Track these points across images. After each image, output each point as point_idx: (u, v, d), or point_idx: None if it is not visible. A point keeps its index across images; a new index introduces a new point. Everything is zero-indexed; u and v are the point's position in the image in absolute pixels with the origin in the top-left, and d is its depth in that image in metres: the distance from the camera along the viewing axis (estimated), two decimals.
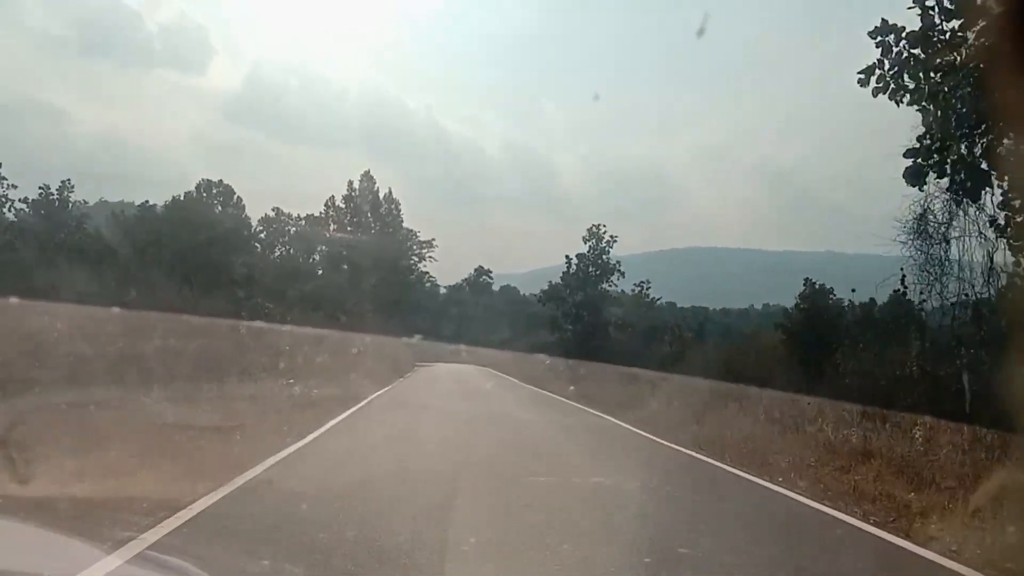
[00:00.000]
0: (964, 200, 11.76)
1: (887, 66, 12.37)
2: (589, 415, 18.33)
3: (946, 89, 10.81)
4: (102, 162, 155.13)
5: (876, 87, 12.53)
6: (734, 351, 31.93)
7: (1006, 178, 10.95)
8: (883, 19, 11.59)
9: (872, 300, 43.84)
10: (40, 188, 33.61)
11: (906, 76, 11.99)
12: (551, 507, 6.95)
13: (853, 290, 36.89)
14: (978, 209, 11.79)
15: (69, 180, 34.75)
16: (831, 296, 36.84)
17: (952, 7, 10.96)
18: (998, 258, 11.91)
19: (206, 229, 27.04)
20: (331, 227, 55.26)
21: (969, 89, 10.52)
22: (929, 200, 11.94)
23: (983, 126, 10.79)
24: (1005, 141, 10.71)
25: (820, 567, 5.77)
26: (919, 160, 11.74)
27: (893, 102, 11.95)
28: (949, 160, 11.25)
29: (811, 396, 19.26)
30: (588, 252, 38.55)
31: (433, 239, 59.93)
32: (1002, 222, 11.38)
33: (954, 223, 12.34)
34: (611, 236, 38.31)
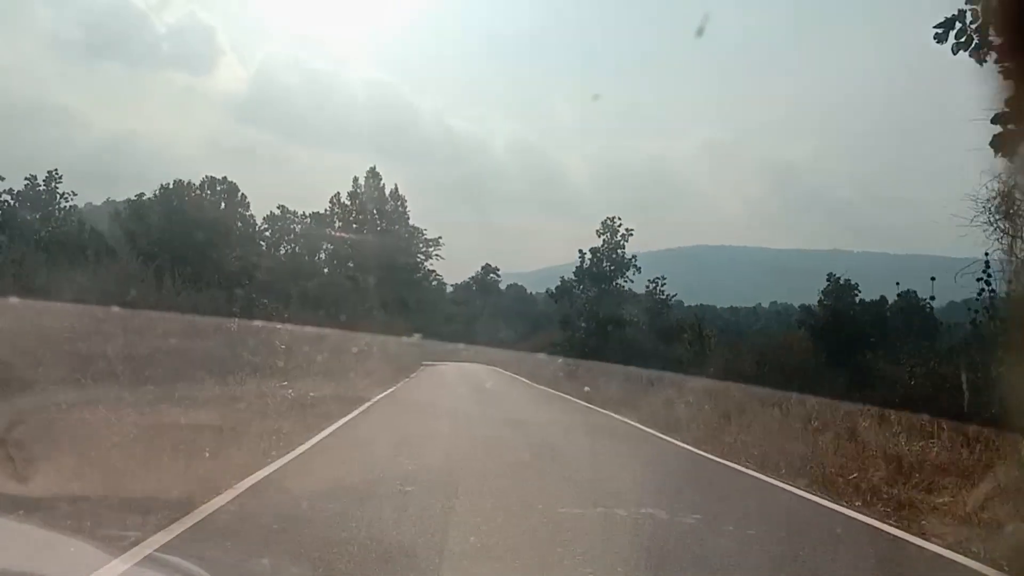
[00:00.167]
0: None
1: (969, 18, 10.61)
2: (614, 421, 16.71)
3: None
4: (109, 163, 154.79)
5: (956, 43, 10.76)
6: (756, 351, 30.15)
7: None
8: None
9: (883, 298, 42.28)
10: (26, 179, 32.66)
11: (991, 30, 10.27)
12: (596, 553, 5.39)
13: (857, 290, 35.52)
14: None
15: (56, 170, 33.52)
16: (856, 292, 35.20)
17: None
18: None
19: (197, 218, 25.52)
20: (336, 224, 54.18)
21: None
22: (1016, 175, 10.27)
23: None
24: None
25: None
26: (1009, 126, 10.00)
27: (974, 60, 10.26)
28: None
29: (849, 401, 17.67)
30: (602, 246, 36.74)
31: (440, 237, 58.64)
32: None
33: None
34: (626, 230, 36.56)
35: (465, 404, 19.28)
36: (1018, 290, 14.32)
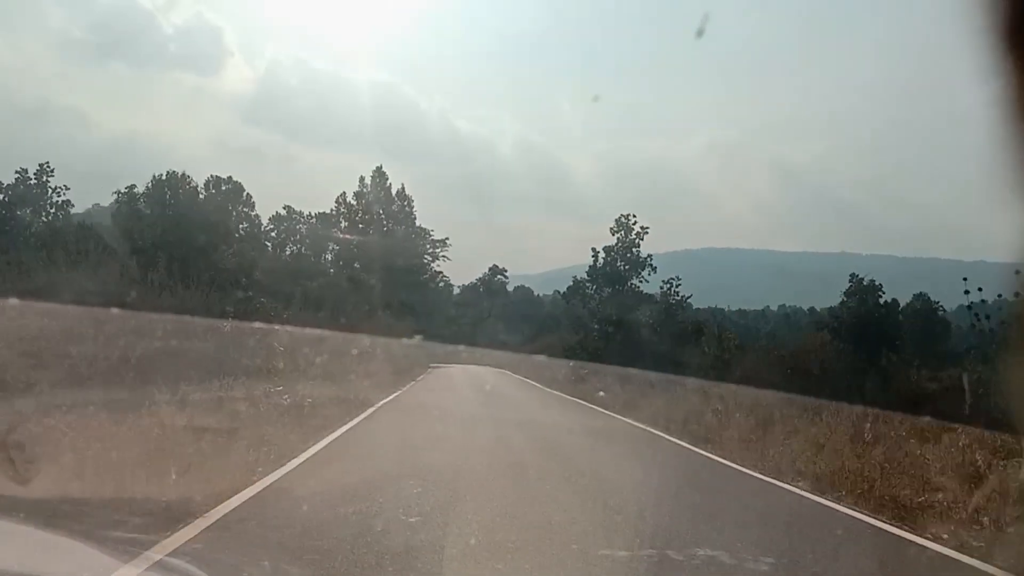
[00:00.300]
0: None
1: None
2: (636, 430, 15.39)
3: None
4: (116, 163, 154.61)
5: None
6: (777, 355, 28.80)
7: None
8: None
9: (895, 301, 40.94)
10: (17, 173, 30.59)
11: None
12: None
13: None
14: None
15: (48, 163, 31.76)
16: (880, 292, 33.85)
17: None
18: None
19: (191, 212, 24.29)
20: (342, 224, 53.25)
21: None
22: None
23: None
24: None
25: None
26: None
27: None
28: None
29: (884, 407, 16.36)
30: (616, 245, 35.23)
31: (447, 238, 57.43)
32: None
33: None
34: (641, 227, 35.01)
35: (476, 410, 17.99)
36: None
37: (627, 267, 34.99)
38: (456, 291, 68.04)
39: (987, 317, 18.62)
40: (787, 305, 79.97)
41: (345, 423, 12.81)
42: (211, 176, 41.83)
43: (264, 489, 7.08)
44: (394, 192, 54.93)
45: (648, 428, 15.29)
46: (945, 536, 6.73)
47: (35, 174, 30.86)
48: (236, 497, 6.47)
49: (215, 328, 15.76)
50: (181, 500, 6.08)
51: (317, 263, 51.46)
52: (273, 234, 52.69)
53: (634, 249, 35.00)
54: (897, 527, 7.06)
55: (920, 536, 6.71)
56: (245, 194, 47.86)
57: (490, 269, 71.48)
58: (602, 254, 35.59)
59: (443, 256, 57.98)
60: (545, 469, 9.42)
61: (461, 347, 44.42)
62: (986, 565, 5.83)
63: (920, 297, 47.77)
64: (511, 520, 6.35)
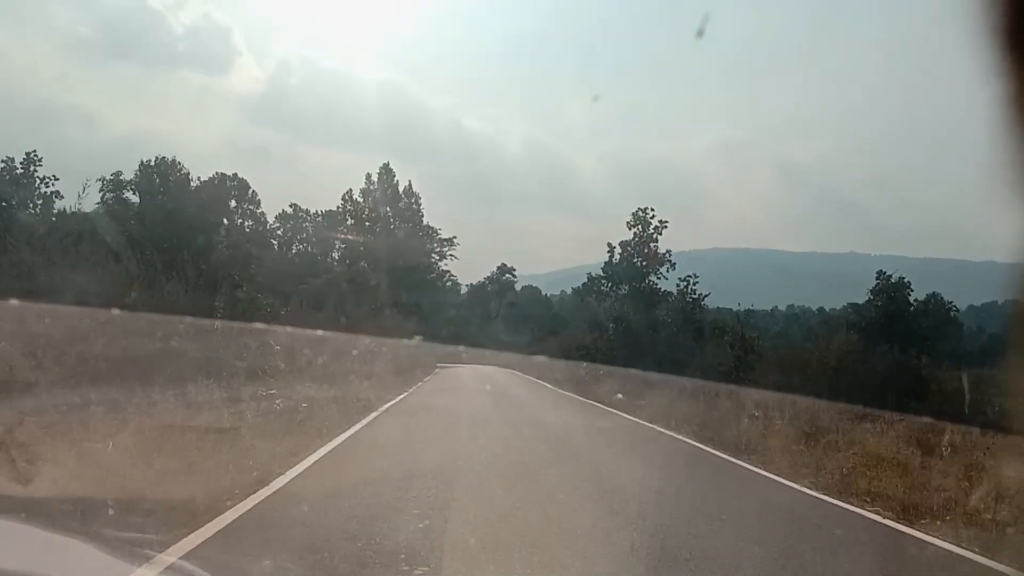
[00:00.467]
0: None
1: None
2: (664, 437, 13.95)
3: None
4: (125, 162, 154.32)
5: None
6: (803, 357, 27.27)
7: None
8: None
9: (927, 299, 39.37)
10: (3, 161, 29.62)
11: None
12: None
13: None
14: None
15: (35, 151, 30.52)
16: (909, 289, 32.19)
17: None
18: None
19: (182, 200, 22.92)
20: (348, 222, 52.17)
21: None
22: None
23: None
24: None
25: None
26: None
27: None
28: None
29: (944, 419, 14.85)
30: (633, 240, 33.67)
31: (454, 236, 56.06)
32: None
33: None
34: (660, 222, 33.41)
35: (487, 412, 16.60)
36: None
37: (644, 263, 33.37)
38: (463, 291, 66.80)
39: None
40: (795, 305, 78.91)
41: (344, 431, 11.44)
42: (216, 173, 40.94)
43: (237, 521, 5.71)
44: (401, 190, 53.81)
45: (679, 436, 13.86)
46: None
47: (21, 163, 29.96)
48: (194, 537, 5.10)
49: (202, 327, 14.39)
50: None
51: (323, 261, 50.43)
52: (279, 232, 51.67)
53: (652, 244, 33.40)
54: None
55: None
56: (251, 191, 46.89)
57: (498, 268, 70.03)
58: (618, 249, 33.99)
59: (451, 255, 56.74)
60: (577, 493, 8.03)
61: (469, 347, 43.17)
62: None
63: (934, 297, 46.43)
64: (533, 544, 4.96)
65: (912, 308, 31.58)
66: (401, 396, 18.79)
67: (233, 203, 45.06)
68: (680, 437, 13.69)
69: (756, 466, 10.48)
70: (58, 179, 30.48)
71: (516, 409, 18.27)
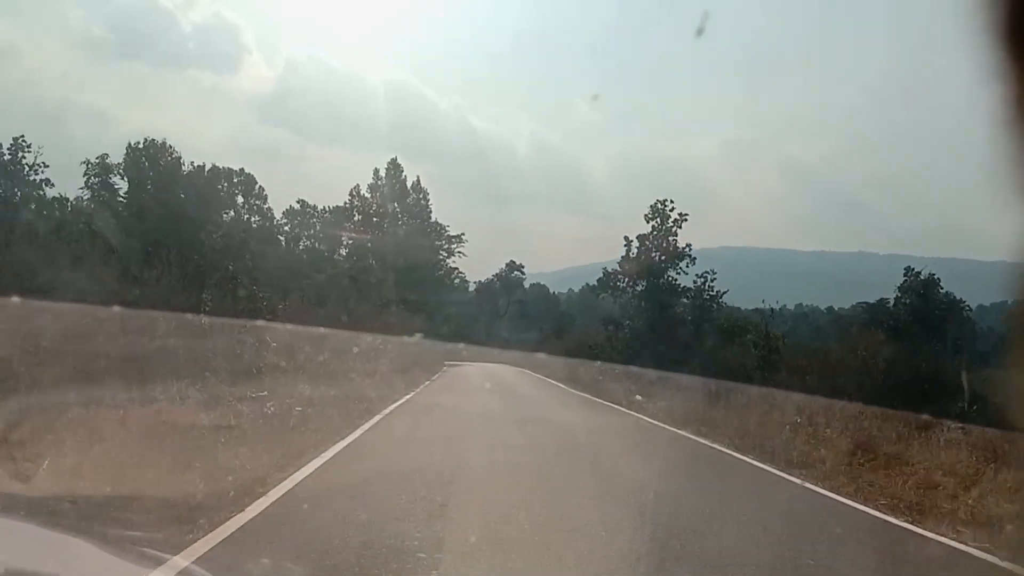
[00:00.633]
0: None
1: None
2: (710, 452, 12.54)
3: None
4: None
5: None
6: (830, 358, 25.80)
7: None
8: None
9: (960, 298, 37.96)
10: None
11: None
12: None
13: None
14: None
15: (23, 137, 28.35)
16: (939, 287, 30.74)
17: None
18: None
19: (172, 186, 21.73)
20: (355, 218, 51.13)
21: None
22: None
23: None
24: None
25: None
26: None
27: None
28: None
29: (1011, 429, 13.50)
30: (651, 233, 32.20)
31: (463, 233, 54.83)
32: None
33: None
34: (680, 215, 31.88)
35: (499, 412, 15.31)
36: None
37: (663, 257, 31.86)
38: (471, 288, 65.68)
39: None
40: (804, 304, 77.81)
41: (345, 436, 10.17)
42: (223, 168, 40.09)
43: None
44: (409, 185, 52.72)
45: (714, 445, 12.49)
46: None
47: (9, 149, 27.62)
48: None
49: (189, 324, 13.14)
50: None
51: (330, 257, 49.54)
52: (287, 228, 51.15)
53: (671, 238, 31.87)
54: None
55: None
56: (257, 186, 45.96)
57: (507, 265, 68.81)
58: (635, 243, 32.49)
59: (459, 252, 55.57)
60: (617, 526, 6.73)
61: (477, 345, 42.17)
62: None
63: (947, 296, 45.31)
64: None
65: (945, 306, 30.05)
66: (409, 396, 17.54)
67: (240, 199, 44.18)
68: (720, 448, 12.30)
69: (815, 484, 9.11)
70: (48, 166, 29.11)
71: (532, 408, 16.94)
